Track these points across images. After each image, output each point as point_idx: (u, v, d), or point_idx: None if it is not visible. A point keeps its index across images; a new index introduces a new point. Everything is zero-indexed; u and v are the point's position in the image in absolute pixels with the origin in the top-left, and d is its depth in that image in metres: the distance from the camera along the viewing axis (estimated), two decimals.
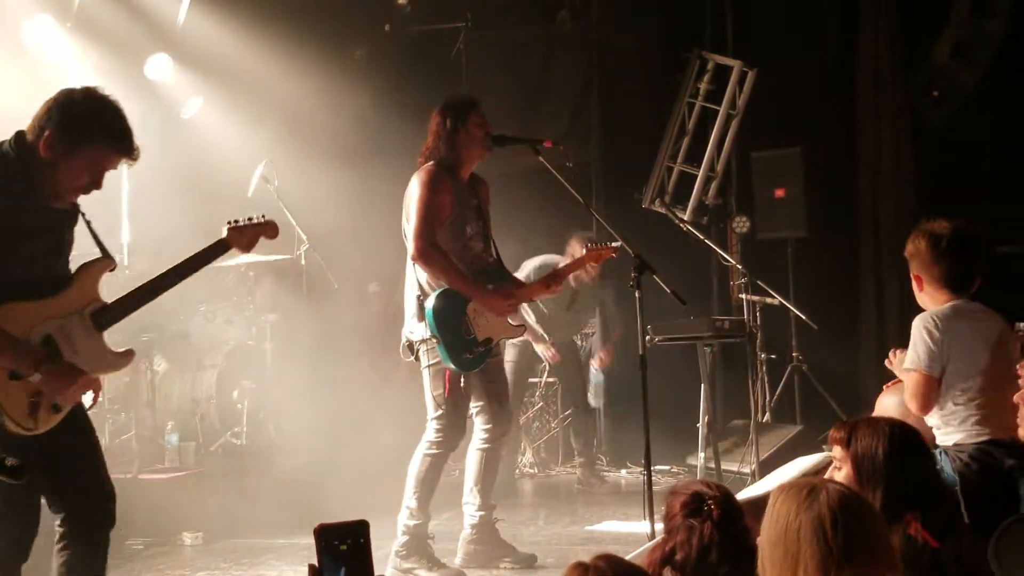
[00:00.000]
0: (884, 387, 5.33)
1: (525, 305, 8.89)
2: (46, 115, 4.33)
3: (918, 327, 5.03)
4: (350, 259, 10.14)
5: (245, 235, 5.00)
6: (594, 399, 10.50)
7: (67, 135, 4.31)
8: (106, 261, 4.63)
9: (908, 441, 3.63)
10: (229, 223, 4.98)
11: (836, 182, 10.73)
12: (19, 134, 4.35)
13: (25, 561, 4.50)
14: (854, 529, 2.67)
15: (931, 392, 4.96)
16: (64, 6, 8.98)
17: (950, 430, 4.98)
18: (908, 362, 5.02)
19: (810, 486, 2.73)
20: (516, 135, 6.82)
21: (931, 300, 5.14)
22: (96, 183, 4.46)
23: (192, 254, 4.78)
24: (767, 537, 2.74)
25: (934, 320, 4.99)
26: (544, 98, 11.92)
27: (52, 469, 4.25)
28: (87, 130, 4.35)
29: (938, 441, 5.01)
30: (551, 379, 10.85)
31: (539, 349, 9.57)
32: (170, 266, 4.74)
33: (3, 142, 4.34)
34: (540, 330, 9.51)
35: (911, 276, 5.23)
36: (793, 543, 2.66)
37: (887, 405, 5.20)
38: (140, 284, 4.71)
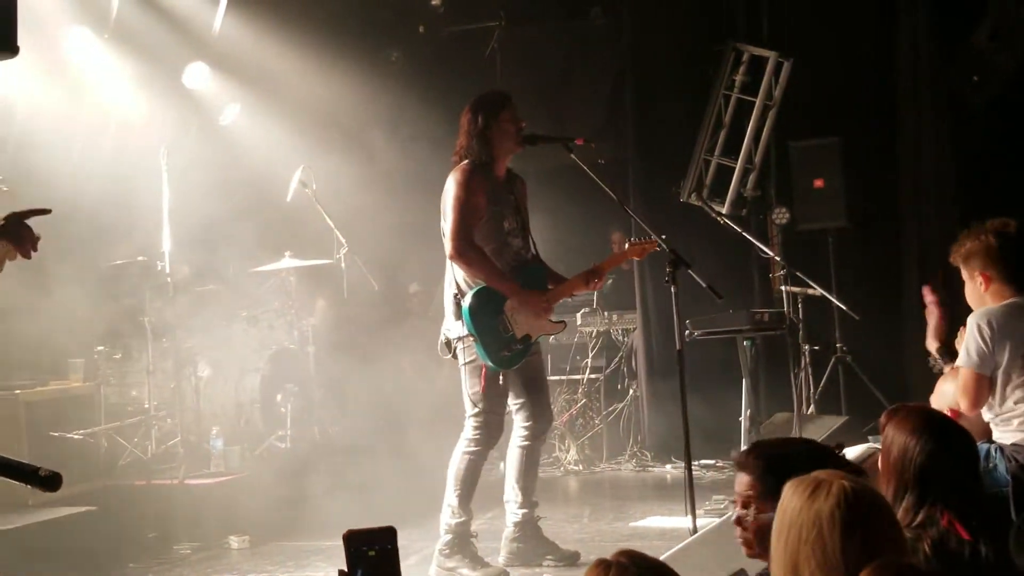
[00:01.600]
0: (947, 369, 5.26)
1: None
2: None
3: (972, 324, 4.97)
4: (390, 260, 10.19)
5: None
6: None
7: None
8: None
9: (946, 433, 3.58)
10: None
11: (876, 170, 10.64)
12: None
13: None
14: (858, 527, 2.61)
15: (981, 390, 4.92)
16: (101, 18, 9.06)
17: (1010, 429, 4.92)
18: (959, 359, 4.98)
19: (816, 482, 2.68)
20: (548, 133, 6.86)
21: (995, 298, 5.06)
22: None
23: None
24: (774, 529, 2.71)
25: (988, 318, 4.93)
26: (578, 95, 11.91)
27: None
28: None
29: (995, 437, 4.97)
30: (594, 376, 10.85)
31: None
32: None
33: None
34: None
35: (974, 275, 5.12)
36: (794, 540, 2.62)
37: (946, 390, 5.15)
38: None
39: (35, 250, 4.06)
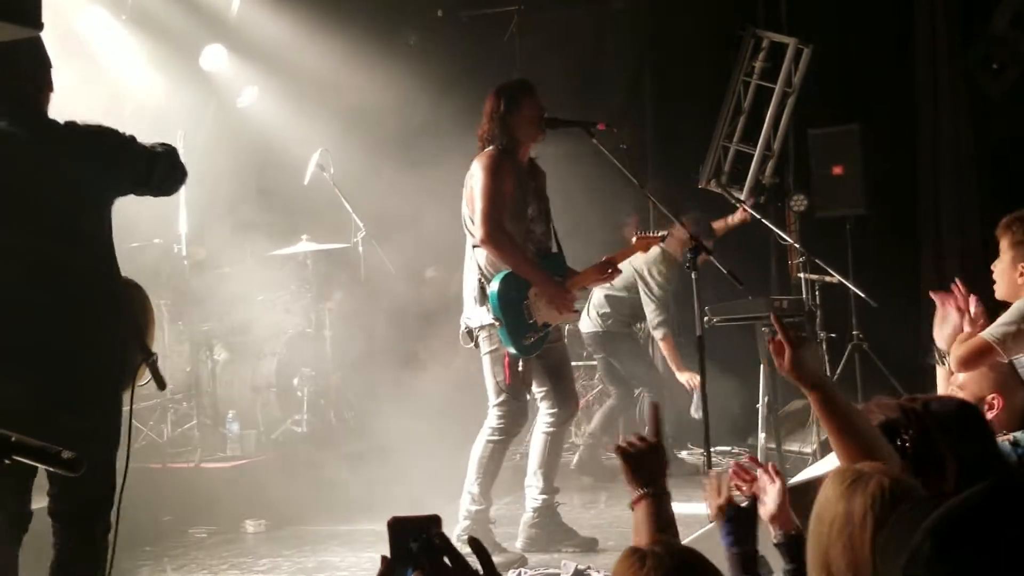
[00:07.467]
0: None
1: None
2: None
3: (1018, 307, 4.84)
4: (407, 245, 10.15)
5: None
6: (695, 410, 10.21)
7: None
8: None
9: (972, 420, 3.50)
10: None
11: (895, 157, 10.62)
12: None
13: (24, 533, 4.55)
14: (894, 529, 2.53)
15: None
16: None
17: None
18: (990, 328, 4.82)
19: (857, 474, 2.57)
20: (569, 118, 6.81)
21: None
22: None
23: None
24: (811, 517, 2.63)
25: None
26: (598, 79, 11.87)
27: None
28: None
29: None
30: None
31: (681, 378, 9.25)
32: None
33: None
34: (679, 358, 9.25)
35: (1017, 265, 4.95)
36: (825, 533, 2.53)
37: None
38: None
39: None
